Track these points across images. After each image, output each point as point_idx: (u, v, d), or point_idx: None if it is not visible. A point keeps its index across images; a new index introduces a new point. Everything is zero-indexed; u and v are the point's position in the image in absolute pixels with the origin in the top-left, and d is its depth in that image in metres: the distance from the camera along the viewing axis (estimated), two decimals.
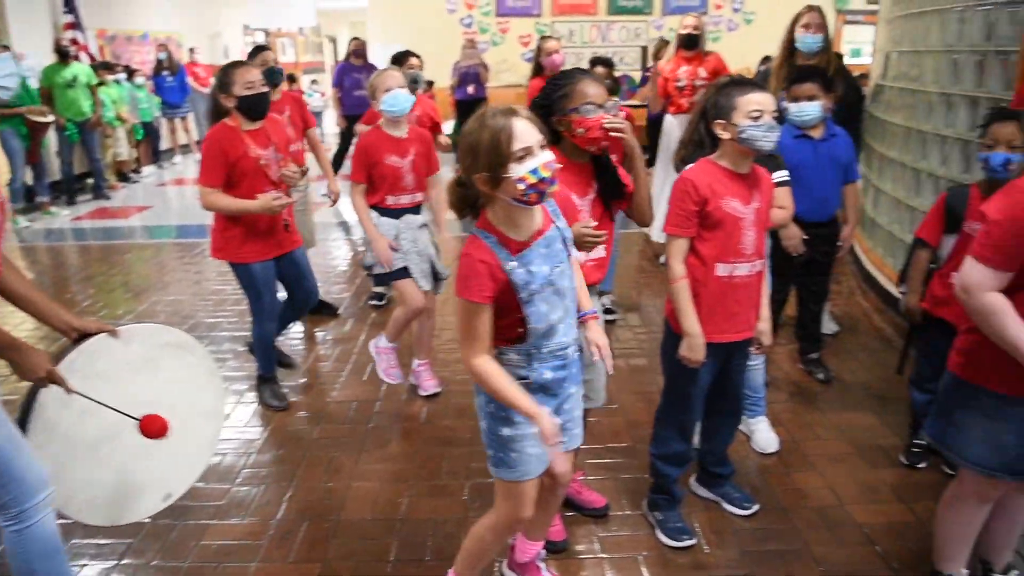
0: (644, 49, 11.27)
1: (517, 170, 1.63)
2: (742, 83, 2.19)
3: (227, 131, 3.04)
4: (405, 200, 3.24)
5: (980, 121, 2.58)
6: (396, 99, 3.12)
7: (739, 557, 2.37)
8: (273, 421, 3.29)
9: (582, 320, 1.92)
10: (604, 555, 2.40)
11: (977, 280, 1.71)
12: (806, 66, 3.32)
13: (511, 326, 1.79)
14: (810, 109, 3.04)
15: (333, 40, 19.87)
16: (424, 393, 3.46)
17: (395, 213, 3.23)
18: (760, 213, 2.23)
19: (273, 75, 4.18)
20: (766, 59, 5.33)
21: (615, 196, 2.28)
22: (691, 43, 4.87)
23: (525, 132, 1.65)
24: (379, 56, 8.73)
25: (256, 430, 3.22)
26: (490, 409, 1.86)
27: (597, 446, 3.02)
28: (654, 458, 2.49)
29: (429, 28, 11.00)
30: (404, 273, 3.23)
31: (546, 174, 1.64)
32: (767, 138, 2.11)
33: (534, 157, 1.65)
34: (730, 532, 2.50)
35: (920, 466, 2.85)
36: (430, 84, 11.14)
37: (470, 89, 8.73)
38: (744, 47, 10.02)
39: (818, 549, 2.41)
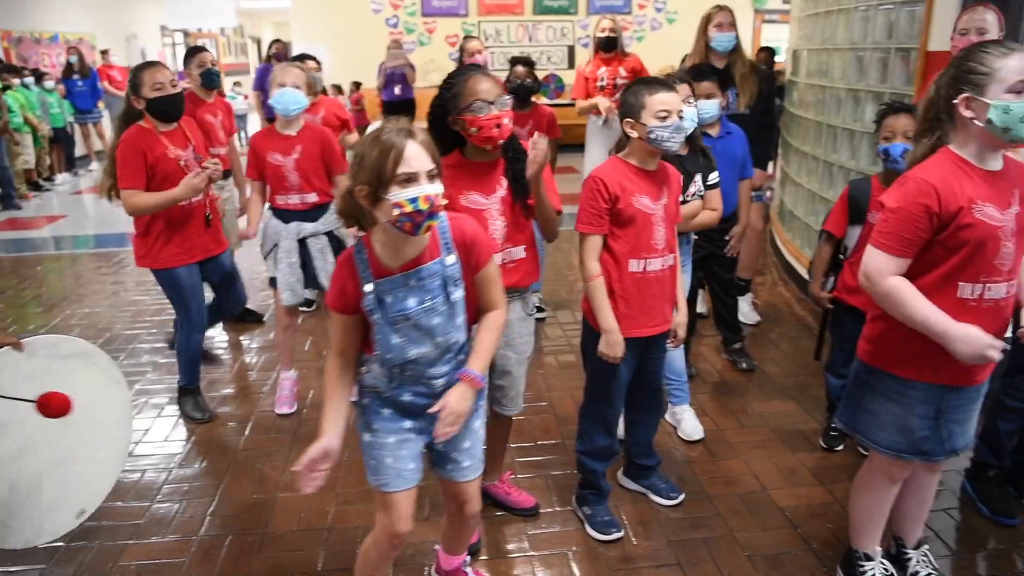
0: (571, 48, 11.39)
1: (397, 194, 1.58)
2: (650, 83, 2.21)
3: (143, 132, 2.96)
4: (294, 200, 3.18)
5: (874, 116, 2.68)
6: (282, 97, 3.07)
7: (666, 547, 2.41)
8: (195, 434, 3.19)
9: (459, 377, 1.78)
10: (534, 553, 2.41)
11: (876, 267, 1.79)
12: (703, 64, 3.39)
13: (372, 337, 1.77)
14: (708, 107, 3.10)
15: (257, 41, 19.46)
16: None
17: (286, 216, 3.19)
18: (669, 209, 2.27)
19: (211, 77, 4.07)
20: (686, 58, 5.44)
21: (527, 192, 2.23)
22: (609, 45, 4.92)
23: (415, 157, 1.59)
24: None
25: (178, 444, 3.12)
26: (357, 411, 1.87)
27: (527, 444, 3.03)
28: (580, 454, 2.51)
29: (354, 28, 10.88)
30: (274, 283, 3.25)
31: (424, 207, 1.58)
32: (674, 138, 2.15)
33: (417, 185, 1.59)
34: (657, 523, 2.54)
35: (837, 449, 2.95)
36: (357, 85, 11.01)
37: (397, 90, 8.64)
38: (668, 46, 10.18)
39: (742, 535, 2.47)
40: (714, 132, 3.22)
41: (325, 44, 10.95)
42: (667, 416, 3.14)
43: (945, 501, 2.62)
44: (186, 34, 13.98)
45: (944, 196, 1.70)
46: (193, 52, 4.16)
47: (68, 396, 2.01)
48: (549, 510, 2.61)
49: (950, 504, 2.61)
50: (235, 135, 4.40)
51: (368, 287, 1.68)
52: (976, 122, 1.69)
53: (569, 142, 5.76)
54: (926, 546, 2.25)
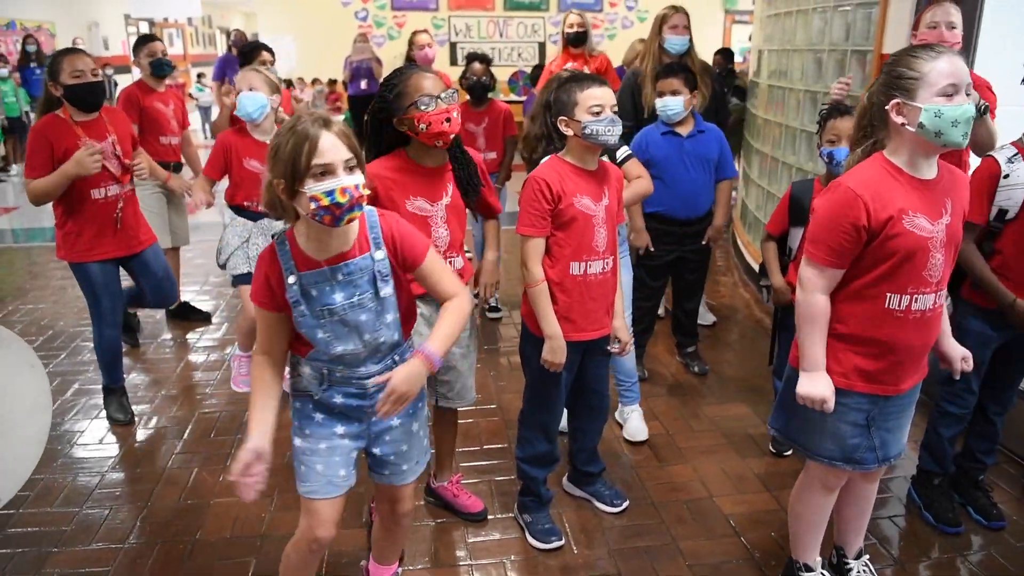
0: (541, 45, 11.33)
1: (313, 187, 1.51)
2: (581, 79, 2.15)
3: (55, 122, 2.87)
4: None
5: (816, 117, 2.64)
6: (241, 103, 2.99)
7: (607, 556, 2.36)
8: (131, 437, 3.09)
9: (414, 352, 1.69)
10: (472, 562, 2.34)
11: (809, 276, 1.75)
12: (673, 62, 3.35)
13: (302, 338, 1.72)
14: (674, 104, 3.06)
15: (226, 32, 19.16)
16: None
17: (252, 215, 3.11)
18: (611, 209, 2.22)
19: (160, 67, 4.03)
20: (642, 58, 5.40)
21: (474, 191, 2.22)
22: (577, 41, 4.88)
23: (330, 149, 1.52)
24: None
25: (111, 447, 3.01)
26: (292, 415, 1.82)
27: (474, 448, 2.97)
28: (520, 461, 2.45)
29: (323, 21, 10.74)
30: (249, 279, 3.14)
31: (342, 199, 1.51)
32: (610, 132, 2.09)
33: (334, 177, 1.52)
34: (600, 531, 2.48)
35: (786, 454, 2.92)
36: (333, 83, 10.84)
37: (363, 84, 8.49)
38: None
39: (685, 543, 2.42)
40: (684, 131, 3.17)
41: (292, 36, 10.81)
42: (616, 415, 3.11)
43: (892, 508, 2.60)
44: (151, 24, 13.67)
45: (873, 206, 1.66)
46: (143, 41, 4.11)
47: None
48: (491, 517, 2.55)
49: (896, 511, 2.59)
50: (188, 127, 4.31)
51: (291, 279, 1.62)
52: (908, 127, 1.65)
53: None
54: (866, 556, 2.22)
